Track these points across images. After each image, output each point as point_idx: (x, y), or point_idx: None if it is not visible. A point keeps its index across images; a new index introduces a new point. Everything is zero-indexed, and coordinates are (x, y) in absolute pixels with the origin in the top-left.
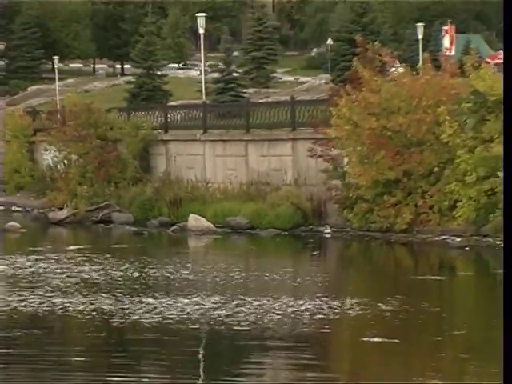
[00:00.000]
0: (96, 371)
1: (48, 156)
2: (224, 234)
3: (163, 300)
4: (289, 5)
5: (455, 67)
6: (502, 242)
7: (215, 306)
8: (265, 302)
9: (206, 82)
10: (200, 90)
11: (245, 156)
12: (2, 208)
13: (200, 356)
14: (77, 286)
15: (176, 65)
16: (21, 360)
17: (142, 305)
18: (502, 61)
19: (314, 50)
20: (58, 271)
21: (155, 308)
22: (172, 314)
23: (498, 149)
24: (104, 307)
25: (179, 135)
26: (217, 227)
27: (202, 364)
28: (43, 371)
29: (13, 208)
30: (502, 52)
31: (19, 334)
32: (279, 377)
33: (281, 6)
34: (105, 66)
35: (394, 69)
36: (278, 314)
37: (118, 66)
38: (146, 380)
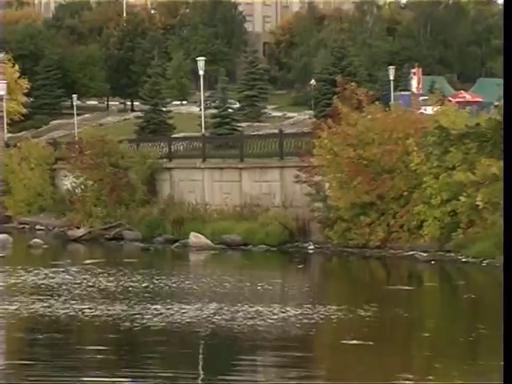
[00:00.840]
0: (111, 367)
1: (67, 181)
2: (220, 250)
3: (169, 306)
4: (277, 50)
5: (422, 104)
6: (463, 257)
7: (215, 311)
8: (258, 308)
9: (205, 117)
10: (200, 124)
11: (239, 181)
12: (27, 227)
13: (201, 352)
14: (94, 294)
15: (179, 102)
16: (59, 359)
17: (150, 310)
18: (462, 99)
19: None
20: (78, 281)
21: (162, 313)
22: (177, 319)
23: (459, 176)
24: (118, 312)
25: (181, 163)
26: (214, 244)
27: (204, 357)
28: (70, 367)
29: (36, 227)
30: (462, 92)
31: (55, 334)
32: (269, 371)
33: (270, 51)
34: (117, 102)
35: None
36: (270, 319)
37: (129, 102)
38: (157, 371)
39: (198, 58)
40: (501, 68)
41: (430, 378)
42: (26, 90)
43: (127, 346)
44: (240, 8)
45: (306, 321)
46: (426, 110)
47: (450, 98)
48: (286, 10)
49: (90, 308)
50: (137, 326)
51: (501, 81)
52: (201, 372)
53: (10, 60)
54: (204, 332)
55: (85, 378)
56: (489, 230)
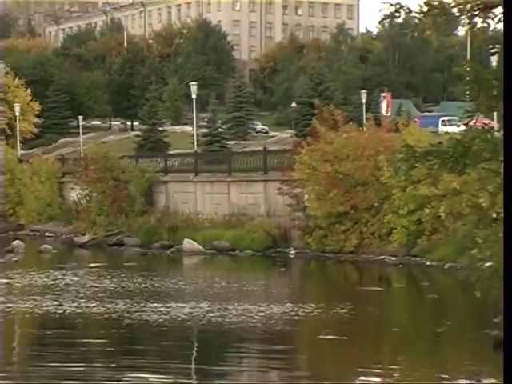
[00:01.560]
0: (115, 356)
1: (73, 193)
2: (211, 255)
3: (166, 304)
4: (262, 76)
5: (391, 125)
6: (429, 262)
7: (207, 309)
8: (246, 306)
9: (197, 136)
10: (192, 142)
11: (227, 193)
12: (37, 234)
13: (196, 341)
14: (99, 294)
15: (173, 122)
16: (65, 350)
17: (149, 307)
18: None
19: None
20: (83, 282)
21: (160, 310)
22: (173, 315)
23: (424, 189)
24: (121, 309)
25: (176, 177)
26: (205, 249)
27: (197, 345)
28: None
29: (46, 234)
30: (426, 114)
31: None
32: (254, 360)
33: (255, 77)
34: (118, 123)
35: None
36: (256, 316)
37: (129, 123)
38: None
39: (190, 83)
40: (461, 92)
41: (397, 367)
42: (37, 112)
43: (129, 338)
44: (228, 38)
45: (287, 317)
46: (395, 129)
47: (416, 120)
48: (270, 40)
49: (95, 306)
50: (138, 321)
51: (461, 104)
52: (193, 353)
53: (22, 85)
54: (198, 327)
55: (95, 364)
56: (450, 237)
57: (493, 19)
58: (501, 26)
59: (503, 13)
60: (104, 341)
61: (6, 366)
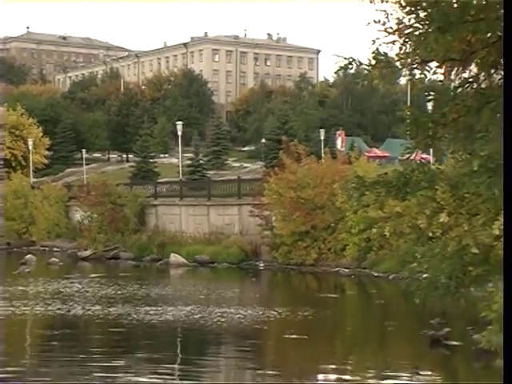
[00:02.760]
0: (115, 349)
1: (77, 214)
2: (193, 267)
3: (155, 308)
4: (236, 116)
5: (345, 158)
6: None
7: (190, 311)
8: (223, 309)
9: (182, 166)
10: (178, 172)
11: (207, 215)
12: (47, 249)
13: (180, 339)
14: (99, 299)
15: (162, 155)
16: (70, 347)
17: (142, 310)
18: (374, 155)
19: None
20: (86, 289)
21: (151, 313)
22: (162, 316)
23: (372, 212)
24: (119, 312)
25: (164, 201)
26: (189, 262)
27: (182, 341)
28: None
29: (54, 249)
30: (374, 149)
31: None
32: (229, 352)
33: (231, 117)
34: (116, 155)
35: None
36: (231, 317)
37: (125, 155)
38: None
39: (177, 122)
40: (403, 132)
41: (350, 360)
42: (47, 146)
43: (126, 334)
44: (209, 85)
45: (257, 319)
46: (348, 161)
47: (365, 154)
48: (244, 86)
49: (97, 309)
50: (133, 322)
51: (403, 141)
52: (179, 351)
53: (35, 123)
54: (183, 326)
55: (95, 356)
56: (394, 253)
57: (428, 71)
58: (435, 77)
59: (503, 13)
60: (105, 337)
61: (21, 359)
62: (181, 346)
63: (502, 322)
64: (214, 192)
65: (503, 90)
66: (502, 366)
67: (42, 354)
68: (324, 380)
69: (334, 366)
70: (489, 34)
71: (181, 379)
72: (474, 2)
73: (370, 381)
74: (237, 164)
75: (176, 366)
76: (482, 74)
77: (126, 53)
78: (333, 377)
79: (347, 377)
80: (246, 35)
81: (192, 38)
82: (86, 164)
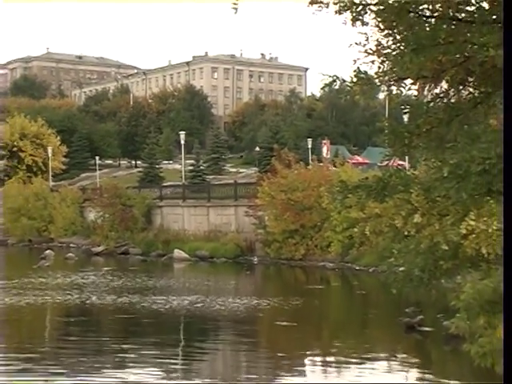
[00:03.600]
0: (118, 335)
1: (91, 214)
2: (194, 261)
3: (160, 297)
4: (233, 127)
5: (330, 165)
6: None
7: (192, 300)
8: (221, 299)
9: (184, 172)
10: (181, 176)
11: (207, 215)
12: (64, 245)
13: (184, 323)
14: (112, 289)
15: (167, 161)
16: (85, 332)
17: (149, 299)
18: (356, 161)
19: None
20: (99, 281)
21: (157, 301)
22: (167, 304)
23: (354, 213)
24: (129, 301)
25: (169, 203)
26: (190, 257)
27: (185, 326)
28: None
29: (70, 245)
30: (356, 156)
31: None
32: (227, 335)
33: (228, 128)
34: (126, 162)
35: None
36: (228, 305)
37: (134, 162)
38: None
39: (180, 132)
40: (381, 141)
41: (335, 344)
42: (65, 153)
43: (136, 319)
44: (208, 99)
45: (252, 307)
46: (333, 167)
47: (348, 161)
48: (240, 100)
49: (110, 298)
50: (140, 309)
51: (382, 149)
52: (181, 333)
53: (54, 133)
54: (186, 313)
55: (106, 337)
56: (373, 249)
57: (404, 88)
58: (410, 92)
59: (503, 13)
60: (117, 322)
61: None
62: (184, 330)
63: (469, 309)
64: (213, 194)
65: (503, 89)
66: (503, 365)
67: (63, 335)
68: (312, 362)
69: (320, 349)
70: (457, 55)
71: (183, 357)
72: (444, 26)
73: (353, 361)
74: (233, 169)
75: (180, 344)
76: (452, 90)
77: (135, 70)
78: (320, 358)
79: (332, 358)
80: (241, 55)
81: (193, 57)
82: (99, 169)
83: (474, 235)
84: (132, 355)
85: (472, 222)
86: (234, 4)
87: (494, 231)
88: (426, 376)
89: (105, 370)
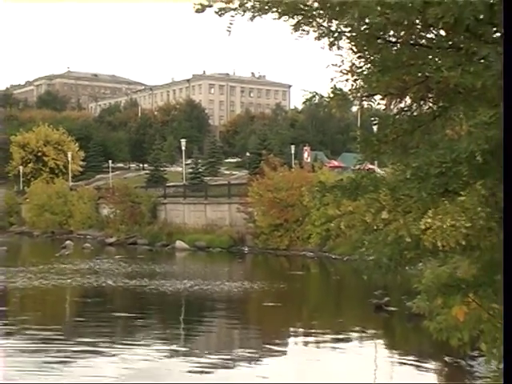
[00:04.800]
0: (129, 312)
1: (105, 210)
2: (193, 251)
3: (164, 281)
4: (227, 135)
5: (310, 168)
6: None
7: (192, 284)
8: (217, 282)
9: (185, 174)
10: (182, 178)
11: (204, 211)
12: (82, 237)
13: (186, 303)
14: (124, 274)
15: (170, 165)
16: (101, 310)
17: (155, 283)
18: (332, 165)
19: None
20: (112, 267)
21: (163, 285)
22: (171, 288)
23: (330, 210)
24: (138, 284)
25: (171, 200)
26: (190, 247)
27: (186, 304)
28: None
29: (87, 237)
30: (333, 161)
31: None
32: (221, 312)
33: (223, 136)
34: (134, 165)
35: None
36: (223, 288)
37: (141, 165)
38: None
39: (181, 140)
40: (355, 148)
41: (314, 322)
42: (82, 158)
43: (145, 299)
44: (206, 111)
45: (243, 290)
46: (313, 170)
47: (326, 164)
48: (233, 112)
49: (122, 281)
50: (148, 291)
51: (355, 155)
52: (183, 311)
53: (73, 140)
54: (186, 294)
55: (121, 311)
56: (347, 240)
57: (374, 102)
58: (379, 106)
59: (503, 13)
60: (130, 301)
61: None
62: (185, 306)
63: (428, 292)
64: (209, 193)
65: (503, 90)
66: (503, 365)
67: (84, 310)
68: (294, 334)
69: (301, 324)
70: (418, 75)
71: (184, 326)
72: (407, 51)
73: (329, 334)
74: (227, 172)
75: (181, 317)
76: (414, 104)
77: (143, 86)
78: (301, 330)
79: (311, 331)
80: (234, 73)
81: (193, 75)
82: (112, 171)
83: (431, 230)
84: (143, 324)
85: (429, 220)
86: (228, 28)
87: (448, 227)
88: (391, 346)
89: (121, 335)
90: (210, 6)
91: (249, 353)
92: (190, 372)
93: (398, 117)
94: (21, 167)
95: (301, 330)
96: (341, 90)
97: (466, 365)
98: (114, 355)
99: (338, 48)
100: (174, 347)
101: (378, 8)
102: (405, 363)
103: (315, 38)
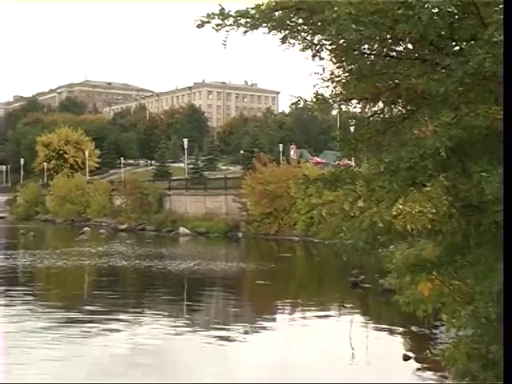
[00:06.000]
0: (140, 288)
1: (118, 201)
2: (195, 236)
3: (169, 262)
4: (224, 135)
5: (296, 163)
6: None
7: (193, 264)
8: (215, 263)
9: (187, 169)
10: (184, 172)
11: (204, 202)
12: (97, 224)
13: (187, 281)
14: (134, 256)
15: (174, 161)
16: (115, 286)
17: (163, 263)
18: (315, 162)
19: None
20: (123, 250)
21: (169, 264)
22: (175, 268)
23: (313, 200)
24: (148, 264)
25: (175, 192)
26: (192, 232)
27: (188, 280)
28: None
29: (102, 224)
30: (316, 158)
31: (119, 276)
32: (218, 287)
33: (220, 136)
34: (143, 161)
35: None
36: (220, 267)
37: (149, 161)
38: (166, 288)
39: (184, 139)
40: (335, 146)
41: (300, 298)
42: (98, 155)
43: (154, 277)
44: (205, 114)
45: (237, 269)
46: (298, 166)
47: (310, 161)
48: (229, 115)
49: (131, 262)
50: (156, 270)
51: (335, 152)
52: (185, 288)
53: (89, 140)
54: (189, 273)
55: (129, 289)
56: (328, 226)
57: (351, 106)
58: (356, 109)
59: (503, 13)
60: (142, 279)
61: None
62: (187, 283)
63: (398, 270)
64: (208, 186)
65: (503, 91)
66: (503, 365)
67: (100, 284)
68: (282, 306)
69: (288, 298)
70: (390, 82)
71: (187, 297)
72: (380, 61)
73: (312, 307)
74: (224, 167)
75: (185, 290)
76: (386, 108)
77: (150, 93)
78: (288, 303)
79: (297, 303)
80: (230, 81)
81: (194, 83)
82: (123, 167)
83: (401, 216)
84: (152, 297)
85: (400, 206)
86: (224, 41)
87: (416, 213)
88: (366, 317)
89: (134, 304)
90: (209, 22)
91: (247, 321)
92: (189, 312)
93: (372, 119)
94: (45, 164)
95: (289, 301)
96: (322, 95)
97: (430, 333)
98: (125, 319)
99: (320, 59)
100: (179, 314)
101: (353, 26)
102: (378, 330)
103: (300, 50)
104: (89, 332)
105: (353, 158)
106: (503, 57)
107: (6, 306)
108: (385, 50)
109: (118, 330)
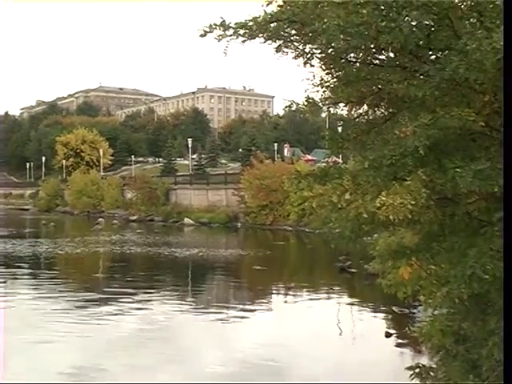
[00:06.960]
0: (150, 272)
1: (129, 194)
2: (198, 226)
3: (175, 249)
4: (224, 135)
5: (289, 161)
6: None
7: (197, 251)
8: (217, 250)
9: (191, 165)
10: (189, 169)
11: (206, 195)
12: (110, 215)
13: (192, 266)
14: (143, 244)
15: (179, 159)
16: (128, 270)
17: (170, 250)
18: (307, 159)
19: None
20: (134, 238)
21: (175, 251)
22: (181, 254)
23: (305, 193)
24: (157, 251)
25: (181, 187)
26: (195, 223)
27: (193, 265)
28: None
29: (115, 215)
30: (307, 155)
31: (128, 261)
32: (219, 272)
33: (221, 136)
34: (151, 159)
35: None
36: (221, 254)
37: (157, 159)
38: (171, 272)
39: (188, 139)
40: (324, 145)
41: (293, 282)
42: (111, 154)
43: (163, 263)
44: (207, 116)
45: (237, 256)
46: (292, 163)
47: (301, 158)
48: (229, 117)
49: (142, 250)
50: (163, 257)
51: (324, 150)
52: (189, 272)
53: (103, 140)
54: (193, 259)
55: (140, 273)
56: (318, 217)
57: (338, 109)
58: (343, 112)
59: (503, 13)
60: (151, 264)
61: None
62: (192, 267)
63: (381, 256)
64: (210, 181)
65: (503, 91)
66: (503, 366)
67: (115, 268)
68: (276, 288)
69: (282, 282)
70: (373, 87)
71: (192, 280)
72: (366, 68)
73: (304, 289)
74: (224, 164)
75: (189, 274)
76: (370, 110)
77: (158, 97)
78: (282, 286)
79: (290, 286)
80: (229, 87)
81: (198, 88)
82: (134, 164)
83: (384, 207)
84: (161, 279)
85: (383, 198)
86: (225, 50)
87: (397, 204)
88: (352, 299)
89: (144, 285)
90: (211, 32)
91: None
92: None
93: (357, 120)
94: (64, 161)
95: (282, 284)
96: (313, 99)
97: (409, 312)
98: (135, 298)
99: (311, 66)
100: (185, 294)
101: (341, 36)
102: (363, 310)
103: (293, 58)
104: (121, 310)
105: (340, 156)
106: (503, 57)
107: (35, 286)
108: (369, 58)
109: (140, 309)
